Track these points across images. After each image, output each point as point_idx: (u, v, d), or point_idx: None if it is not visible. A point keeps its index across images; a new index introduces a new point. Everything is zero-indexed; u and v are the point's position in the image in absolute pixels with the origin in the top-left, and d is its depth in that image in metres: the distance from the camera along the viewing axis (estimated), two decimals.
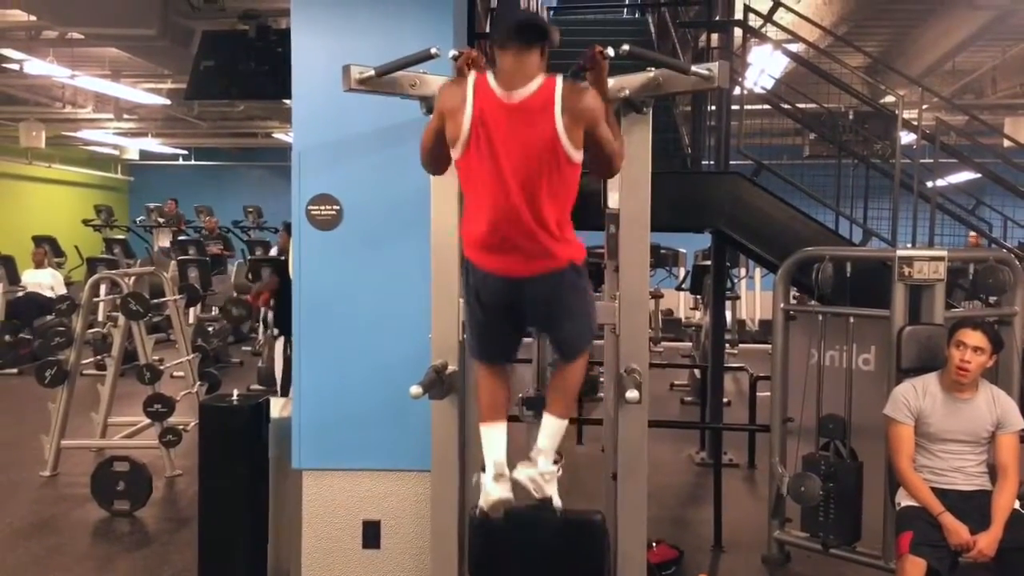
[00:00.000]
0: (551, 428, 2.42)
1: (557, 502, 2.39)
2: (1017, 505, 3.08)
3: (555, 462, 2.43)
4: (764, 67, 7.30)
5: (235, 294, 10.87)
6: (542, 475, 2.36)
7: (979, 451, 3.19)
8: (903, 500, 3.21)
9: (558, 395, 2.47)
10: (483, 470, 2.41)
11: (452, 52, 2.47)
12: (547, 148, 2.21)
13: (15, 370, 8.87)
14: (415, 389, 2.44)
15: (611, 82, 2.48)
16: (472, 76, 2.28)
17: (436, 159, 2.43)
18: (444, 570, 2.73)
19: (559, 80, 2.24)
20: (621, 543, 2.67)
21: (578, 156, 2.25)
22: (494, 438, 2.43)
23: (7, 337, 9.23)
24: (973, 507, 3.07)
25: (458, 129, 2.25)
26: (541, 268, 2.28)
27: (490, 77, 2.26)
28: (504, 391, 2.50)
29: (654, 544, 3.95)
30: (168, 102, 10.49)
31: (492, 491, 2.35)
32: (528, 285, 2.29)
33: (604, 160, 2.35)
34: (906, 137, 5.90)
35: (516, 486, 2.39)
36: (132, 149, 15.55)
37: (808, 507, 3.77)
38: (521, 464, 2.39)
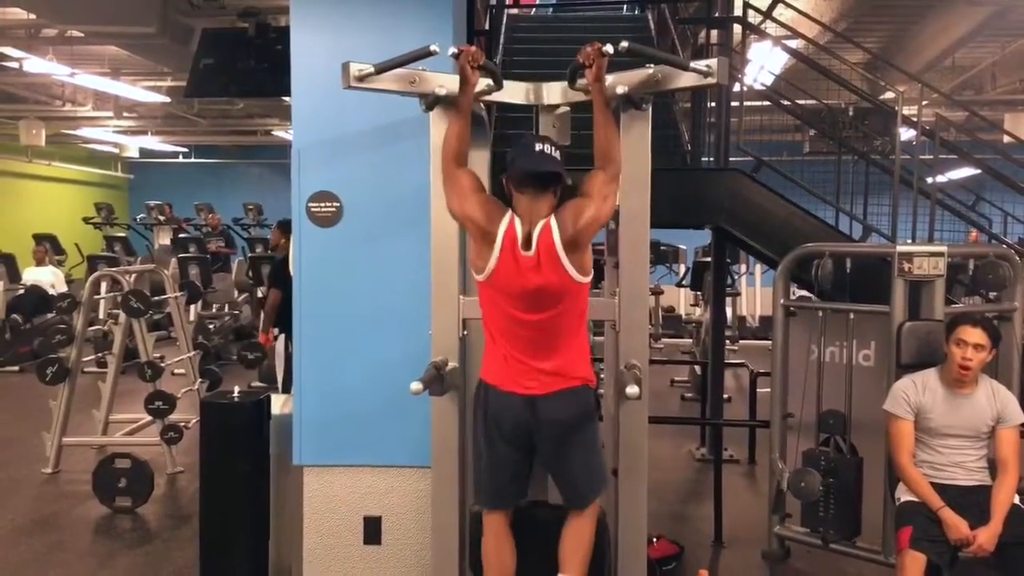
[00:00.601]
0: None
1: None
2: (1017, 500, 3.08)
3: None
4: (764, 63, 7.30)
5: (236, 293, 10.92)
6: None
7: (979, 446, 3.20)
8: (903, 495, 3.21)
9: (572, 554, 2.48)
10: None
11: (452, 49, 2.47)
12: (560, 286, 2.37)
13: (16, 368, 8.89)
14: (415, 385, 2.44)
15: (609, 79, 2.48)
16: (506, 220, 2.39)
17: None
18: (445, 565, 2.74)
19: (552, 221, 2.36)
20: (622, 538, 2.67)
21: (587, 279, 2.41)
22: None
23: (7, 336, 9.25)
24: (973, 502, 3.07)
25: (483, 262, 2.41)
26: (557, 386, 2.40)
27: (517, 225, 2.38)
28: (511, 551, 2.54)
29: (654, 540, 3.96)
30: (168, 100, 10.49)
31: None
32: (543, 403, 2.39)
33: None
34: (906, 133, 5.90)
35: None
36: (132, 147, 15.54)
37: (808, 502, 3.77)
38: None
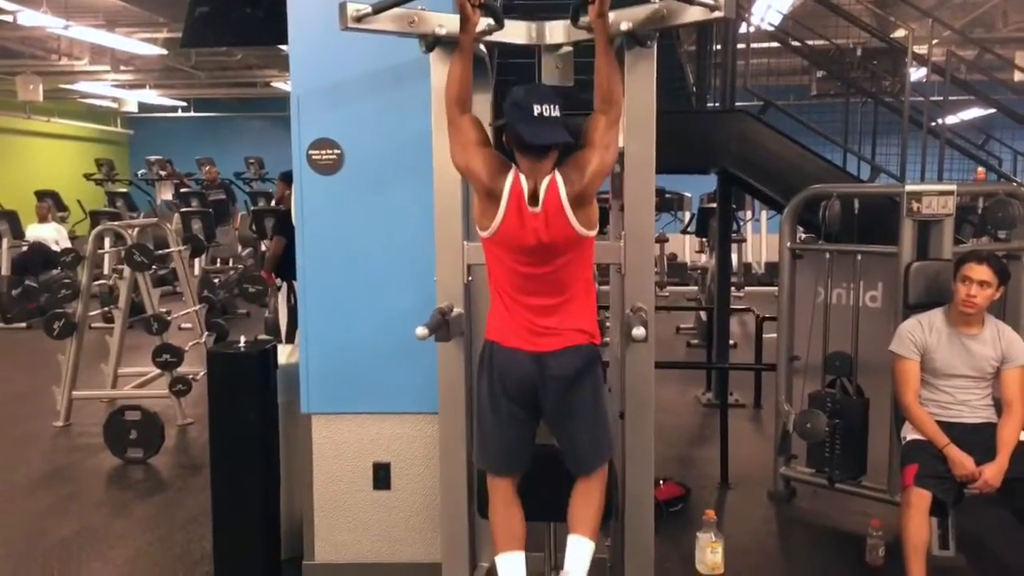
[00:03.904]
0: (580, 550, 2.39)
1: None
2: (1023, 437, 3.09)
3: None
4: (771, 2, 7.14)
5: (240, 247, 10.90)
6: None
7: (984, 385, 3.20)
8: (909, 434, 3.23)
9: (583, 515, 2.43)
10: None
11: None
12: (566, 242, 2.32)
13: (24, 324, 8.94)
14: (420, 330, 2.43)
15: (613, 16, 2.41)
16: (511, 177, 2.31)
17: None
18: (454, 508, 2.77)
19: (558, 177, 2.30)
20: (629, 481, 2.69)
21: (593, 232, 2.35)
22: (513, 571, 2.41)
23: (13, 293, 9.28)
24: (979, 440, 3.08)
25: (488, 220, 2.34)
26: (564, 343, 2.36)
27: (523, 181, 2.31)
28: (520, 516, 2.48)
29: (661, 482, 4.00)
30: (164, 52, 10.35)
31: None
32: (551, 359, 2.35)
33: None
34: (916, 73, 5.79)
35: None
36: (131, 101, 15.41)
37: (814, 443, 3.80)
38: None
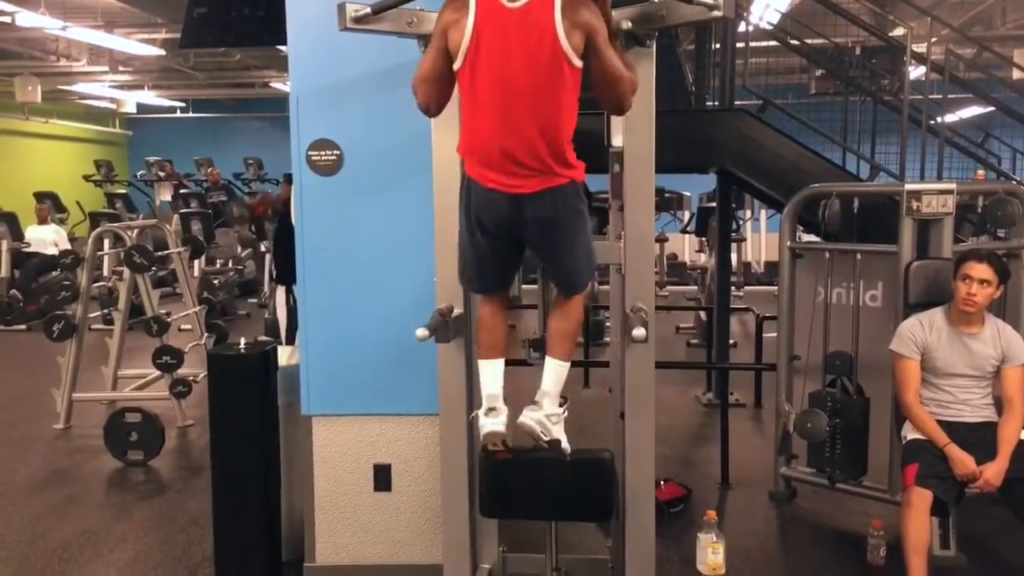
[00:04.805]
0: (554, 370, 2.43)
1: (565, 444, 2.39)
2: (1023, 436, 3.09)
3: (561, 405, 2.43)
4: (770, 0, 7.14)
5: (239, 248, 10.90)
6: (548, 417, 2.35)
7: (984, 384, 3.20)
8: (909, 434, 3.22)
9: (559, 337, 2.47)
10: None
11: None
12: (548, 51, 2.18)
13: (24, 326, 8.93)
14: (421, 332, 2.43)
15: (613, 15, 2.41)
16: None
17: (437, 84, 2.34)
18: (455, 510, 2.76)
19: None
20: (630, 481, 2.69)
21: (578, 61, 2.21)
22: (490, 372, 2.45)
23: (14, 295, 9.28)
24: (979, 439, 3.08)
25: (461, 35, 2.23)
26: (543, 185, 2.26)
27: None
28: (503, 329, 2.50)
29: (662, 483, 4.00)
30: (163, 52, 10.35)
31: (484, 425, 2.37)
32: (529, 203, 2.27)
33: (611, 82, 2.26)
34: (915, 71, 5.79)
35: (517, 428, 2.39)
36: (129, 103, 15.40)
37: (815, 443, 3.80)
38: (527, 408, 2.38)
